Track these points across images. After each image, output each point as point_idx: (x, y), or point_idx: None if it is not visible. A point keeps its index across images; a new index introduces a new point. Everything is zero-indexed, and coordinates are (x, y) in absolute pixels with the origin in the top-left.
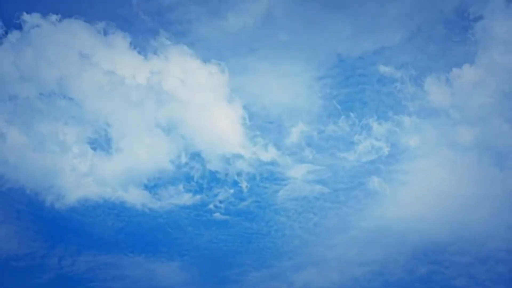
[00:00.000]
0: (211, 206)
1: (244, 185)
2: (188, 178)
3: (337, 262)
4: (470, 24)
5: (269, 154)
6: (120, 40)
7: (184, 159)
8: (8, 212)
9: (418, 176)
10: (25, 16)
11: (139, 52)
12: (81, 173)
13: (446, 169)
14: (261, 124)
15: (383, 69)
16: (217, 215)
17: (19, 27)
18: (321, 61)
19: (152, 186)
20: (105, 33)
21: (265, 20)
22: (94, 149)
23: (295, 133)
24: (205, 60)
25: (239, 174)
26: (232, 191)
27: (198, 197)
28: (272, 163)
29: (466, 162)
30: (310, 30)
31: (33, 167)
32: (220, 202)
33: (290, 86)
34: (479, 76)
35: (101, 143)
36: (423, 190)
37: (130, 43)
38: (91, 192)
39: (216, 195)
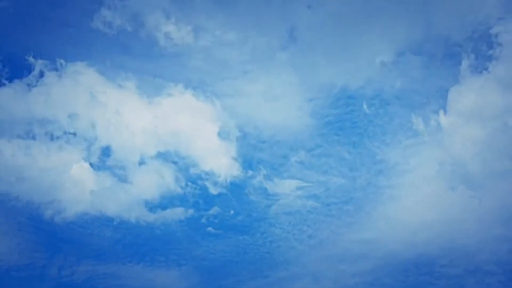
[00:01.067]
0: (204, 220)
1: (237, 200)
2: (184, 197)
3: (330, 272)
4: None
5: (262, 171)
6: (124, 82)
7: (181, 181)
8: (11, 225)
9: (407, 191)
10: (32, 60)
11: (142, 93)
12: (81, 191)
13: (434, 185)
14: (254, 144)
15: (371, 92)
16: (210, 229)
17: (27, 71)
18: (311, 84)
19: (149, 204)
20: (109, 76)
21: (257, 51)
22: (94, 169)
23: (287, 151)
24: (202, 92)
25: (232, 191)
26: (226, 206)
27: (192, 211)
28: (266, 180)
29: (454, 178)
30: (301, 62)
31: (35, 185)
32: (214, 217)
33: (281, 107)
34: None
35: (102, 166)
36: (413, 204)
37: (133, 84)
38: (89, 208)
39: (209, 210)
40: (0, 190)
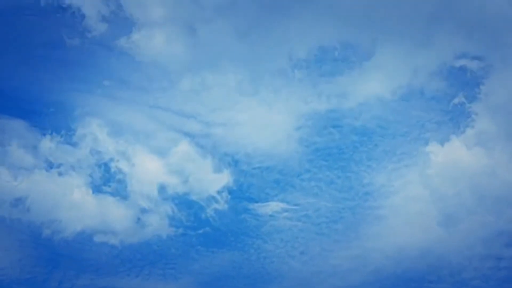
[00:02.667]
0: (195, 239)
1: (230, 221)
2: (179, 218)
3: (322, 286)
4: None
5: (254, 195)
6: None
7: (176, 207)
8: (12, 242)
9: (392, 211)
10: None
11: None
12: (81, 211)
13: (418, 205)
14: (245, 170)
15: (356, 122)
16: (199, 247)
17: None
18: (299, 113)
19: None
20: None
21: (245, 83)
22: (95, 193)
23: (277, 176)
24: (196, 122)
25: (225, 213)
26: (220, 225)
27: (187, 230)
28: (258, 202)
29: (437, 198)
30: (289, 92)
31: (37, 206)
32: (207, 235)
33: (271, 135)
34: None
35: (103, 190)
36: (398, 223)
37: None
38: (87, 227)
39: (202, 229)
40: (2, 212)
